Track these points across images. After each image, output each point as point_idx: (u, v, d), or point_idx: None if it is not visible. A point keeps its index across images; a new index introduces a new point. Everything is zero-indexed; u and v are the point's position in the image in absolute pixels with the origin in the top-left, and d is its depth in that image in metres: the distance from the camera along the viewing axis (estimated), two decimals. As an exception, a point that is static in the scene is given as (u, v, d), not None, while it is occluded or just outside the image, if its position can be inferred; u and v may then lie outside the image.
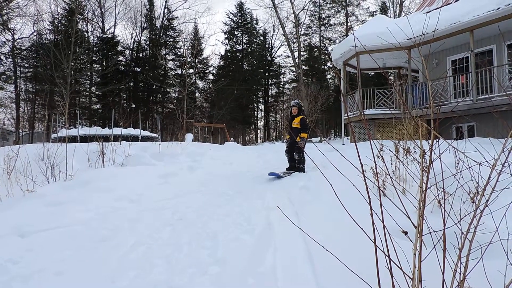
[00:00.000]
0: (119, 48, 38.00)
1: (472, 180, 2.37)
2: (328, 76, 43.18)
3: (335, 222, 3.59)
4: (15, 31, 31.19)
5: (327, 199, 4.56)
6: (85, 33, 34.27)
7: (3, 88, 31.37)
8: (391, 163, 4.74)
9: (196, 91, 41.03)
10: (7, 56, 31.24)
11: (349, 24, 40.86)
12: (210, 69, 43.70)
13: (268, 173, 7.09)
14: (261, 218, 4.33)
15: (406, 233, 1.90)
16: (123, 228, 4.29)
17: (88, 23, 36.39)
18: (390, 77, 33.18)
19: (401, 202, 2.06)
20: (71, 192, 5.61)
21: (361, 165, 2.11)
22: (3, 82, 31.13)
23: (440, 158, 2.10)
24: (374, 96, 13.99)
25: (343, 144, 14.71)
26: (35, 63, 33.21)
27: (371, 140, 2.18)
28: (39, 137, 29.26)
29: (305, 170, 7.41)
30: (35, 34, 32.82)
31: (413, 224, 1.95)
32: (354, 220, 2.03)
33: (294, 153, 7.45)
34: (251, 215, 4.48)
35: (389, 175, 2.50)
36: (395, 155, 4.81)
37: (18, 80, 32.47)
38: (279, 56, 58.18)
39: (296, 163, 7.42)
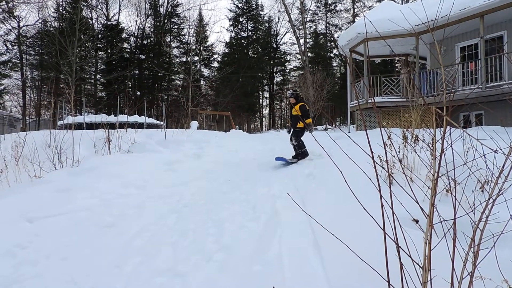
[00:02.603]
0: (124, 35, 37.76)
1: (487, 168, 2.32)
2: (334, 64, 42.73)
3: (342, 210, 3.56)
4: (20, 19, 31.12)
5: (333, 186, 4.53)
6: (89, 20, 34.06)
7: (9, 75, 31.44)
8: (399, 151, 4.68)
9: (201, 78, 40.83)
10: (13, 43, 31.24)
11: (355, 10, 40.23)
12: (215, 56, 43.41)
13: (275, 158, 7.16)
14: (267, 205, 4.31)
15: (417, 221, 1.86)
16: (128, 215, 4.30)
17: (93, 10, 36.14)
18: (397, 64, 32.79)
19: (411, 190, 2.02)
20: (78, 178, 5.63)
21: (371, 151, 2.06)
22: (9, 70, 31.18)
23: (452, 147, 2.05)
24: (381, 84, 13.81)
25: (349, 132, 14.62)
26: (40, 51, 33.15)
27: (380, 128, 2.13)
28: (46, 124, 29.39)
29: (308, 153, 7.41)
30: (40, 21, 32.70)
31: (424, 213, 1.91)
32: (363, 208, 2.00)
33: (292, 139, 7.43)
34: (257, 203, 4.47)
35: (400, 161, 2.46)
36: (403, 143, 4.75)
37: (24, 68, 32.50)
38: (284, 43, 57.74)
39: (296, 149, 7.39)
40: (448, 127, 2.02)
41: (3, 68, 28.68)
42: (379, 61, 32.48)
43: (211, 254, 3.15)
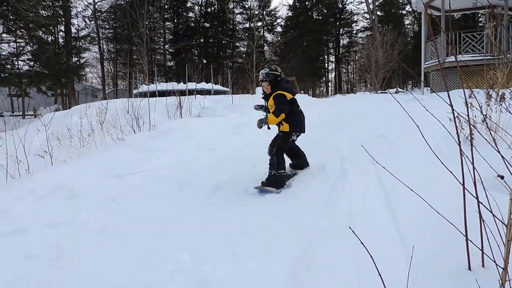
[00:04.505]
0: (189, 4, 38.51)
1: None
2: (407, 22, 39.59)
3: (416, 171, 3.44)
4: (95, -6, 33.01)
5: (406, 148, 4.38)
6: (156, -10, 35.08)
7: (89, 49, 33.89)
8: (481, 112, 4.33)
9: (265, 44, 40.49)
10: (90, 18, 33.41)
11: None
12: (278, 21, 42.50)
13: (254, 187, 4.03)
14: (336, 166, 4.31)
15: (502, 177, 1.76)
16: (203, 173, 4.60)
17: (159, -19, 37.10)
18: (480, 19, 29.46)
19: (496, 148, 1.90)
20: (155, 140, 6.07)
21: (452, 110, 1.96)
22: (88, 44, 33.53)
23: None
24: (461, 41, 12.59)
25: (423, 94, 13.72)
26: (114, 24, 35.16)
27: (462, 86, 2.00)
28: (123, 94, 31.62)
29: (284, 181, 4.05)
30: (112, -5, 34.41)
31: (510, 171, 1.79)
32: (441, 162, 1.94)
33: (268, 149, 4.18)
34: (326, 163, 4.48)
35: (483, 120, 2.29)
36: (486, 102, 4.39)
37: (101, 41, 34.78)
38: (351, 2, 54.53)
39: (269, 167, 4.08)
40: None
41: (83, 42, 30.90)
42: (459, 15, 29.40)
43: (280, 213, 3.28)
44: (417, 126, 2.03)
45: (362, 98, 13.81)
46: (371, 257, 1.29)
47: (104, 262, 2.59)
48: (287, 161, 4.40)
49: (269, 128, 4.19)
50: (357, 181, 3.66)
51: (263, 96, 4.34)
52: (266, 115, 4.10)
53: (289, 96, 4.05)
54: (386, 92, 18.54)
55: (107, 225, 3.20)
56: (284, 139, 4.17)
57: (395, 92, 18.25)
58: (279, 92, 4.02)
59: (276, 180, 3.91)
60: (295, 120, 4.15)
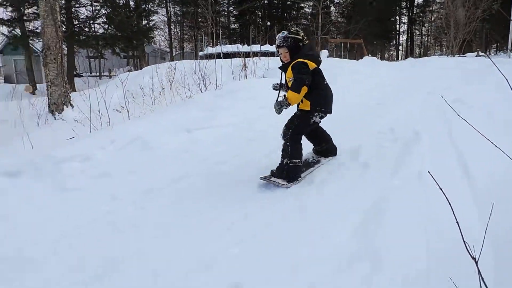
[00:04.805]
0: (254, -36, 37.63)
1: None
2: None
3: (496, 133, 3.19)
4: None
5: (485, 112, 4.07)
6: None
7: (157, 12, 34.90)
8: None
9: (331, 4, 38.61)
10: (157, -20, 34.17)
11: None
12: (347, -22, 40.14)
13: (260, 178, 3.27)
14: (406, 128, 4.15)
15: None
16: (267, 132, 4.69)
17: None
18: None
19: None
20: (221, 99, 6.24)
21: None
22: (157, 7, 34.50)
23: None
24: None
25: (509, 58, 12.37)
26: (180, -14, 35.68)
27: None
28: (189, 56, 32.48)
29: (300, 171, 3.25)
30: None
31: None
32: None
33: (283, 130, 3.30)
34: (394, 125, 4.33)
35: None
36: None
37: (168, 4, 35.60)
38: (430, -46, 49.38)
39: (282, 155, 3.28)
40: None
41: (152, 5, 31.88)
42: None
43: (348, 169, 3.28)
44: (506, 79, 1.85)
45: (437, 61, 12.83)
46: (448, 201, 1.26)
47: (179, 209, 2.82)
48: (310, 146, 3.64)
49: (279, 112, 3.12)
50: (429, 143, 3.53)
51: (280, 66, 3.37)
52: (285, 95, 3.10)
53: (312, 65, 3.09)
54: (465, 56, 16.96)
55: (181, 175, 3.46)
56: (303, 120, 3.25)
57: (476, 56, 16.63)
58: (299, 60, 3.05)
59: (288, 171, 3.14)
60: (319, 97, 3.23)
